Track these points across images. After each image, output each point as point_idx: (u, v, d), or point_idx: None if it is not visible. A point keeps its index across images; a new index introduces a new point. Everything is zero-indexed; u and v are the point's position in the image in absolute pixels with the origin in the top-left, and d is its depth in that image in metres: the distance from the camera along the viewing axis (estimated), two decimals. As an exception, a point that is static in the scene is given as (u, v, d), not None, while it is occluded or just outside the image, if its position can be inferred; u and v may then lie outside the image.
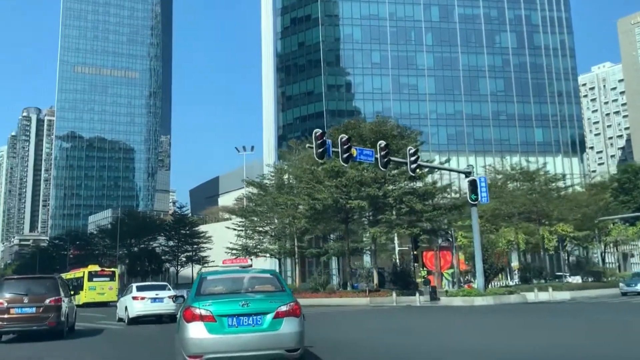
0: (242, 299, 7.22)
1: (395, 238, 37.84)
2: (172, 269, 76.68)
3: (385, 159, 20.10)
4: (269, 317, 7.10)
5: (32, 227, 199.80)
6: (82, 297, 37.03)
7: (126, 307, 18.61)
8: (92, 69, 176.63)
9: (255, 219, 42.56)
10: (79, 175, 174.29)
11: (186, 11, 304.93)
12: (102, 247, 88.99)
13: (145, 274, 72.98)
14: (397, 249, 40.44)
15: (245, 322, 7.04)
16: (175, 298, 18.72)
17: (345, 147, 18.67)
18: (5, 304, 13.20)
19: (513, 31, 79.41)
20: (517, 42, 79.04)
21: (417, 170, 21.79)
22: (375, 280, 30.16)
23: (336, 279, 48.95)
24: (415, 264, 33.62)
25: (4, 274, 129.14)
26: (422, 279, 31.39)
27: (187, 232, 72.84)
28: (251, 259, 46.07)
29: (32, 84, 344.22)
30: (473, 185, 23.13)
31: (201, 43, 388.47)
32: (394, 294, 26.25)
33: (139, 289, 19.17)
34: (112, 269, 41.53)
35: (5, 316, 13.13)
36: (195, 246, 72.63)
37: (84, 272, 39.73)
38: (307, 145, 19.12)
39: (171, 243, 73.75)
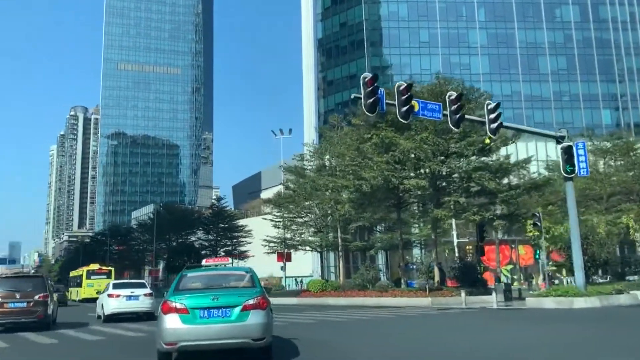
0: (213, 294, 7.92)
1: (454, 227, 32.58)
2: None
3: (458, 115, 15.26)
4: (237, 309, 7.78)
5: (81, 224, 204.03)
6: (82, 293, 39.56)
7: (102, 305, 18.64)
8: (135, 65, 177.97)
9: (293, 206, 38.32)
10: (124, 171, 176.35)
11: (226, 4, 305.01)
12: (141, 241, 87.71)
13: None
14: (455, 240, 35.24)
15: (215, 314, 7.74)
16: (151, 295, 18.70)
17: (404, 97, 13.98)
18: (0, 299, 14.73)
19: (576, 4, 72.04)
20: (581, 15, 71.60)
21: (496, 133, 16.65)
22: (437, 277, 25.21)
23: (383, 275, 44.24)
24: (480, 258, 28.37)
25: (52, 270, 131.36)
26: (506, 276, 26.17)
27: (226, 225, 69.79)
28: (292, 252, 41.93)
29: (79, 83, 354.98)
30: (568, 153, 17.95)
31: (240, 34, 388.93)
32: (463, 294, 21.25)
33: (115, 286, 19.23)
34: (109, 268, 43.62)
35: (0, 310, 14.68)
36: (234, 240, 69.52)
37: (83, 270, 42.22)
38: (353, 95, 14.51)
39: (210, 237, 70.91)
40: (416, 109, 14.91)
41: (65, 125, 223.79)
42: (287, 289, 41.48)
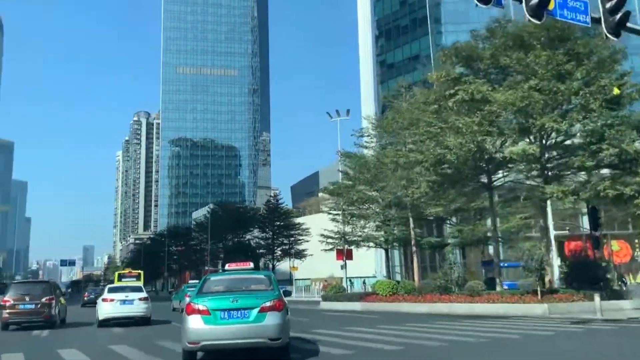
0: (233, 296, 8.47)
1: (549, 214, 25.95)
2: (269, 264, 70.05)
3: (618, 16, 9.51)
4: (255, 311, 8.25)
5: (146, 226, 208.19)
6: None
7: (97, 309, 18.50)
8: (193, 69, 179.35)
9: (354, 192, 33.06)
10: (185, 174, 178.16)
11: (280, 3, 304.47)
12: (199, 241, 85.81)
13: (241, 269, 67.04)
14: (552, 231, 28.58)
15: (235, 315, 8.25)
16: (147, 300, 18.35)
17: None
18: (12, 301, 17.19)
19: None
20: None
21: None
22: (551, 276, 19.10)
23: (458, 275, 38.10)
24: (596, 251, 21.86)
25: (116, 270, 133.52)
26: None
27: (282, 223, 65.61)
28: (353, 248, 36.72)
29: (142, 88, 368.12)
30: None
31: (294, 30, 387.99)
32: (597, 299, 15.14)
33: (110, 290, 19.11)
34: (138, 271, 46.83)
35: (13, 311, 17.13)
36: (291, 239, 65.20)
37: (116, 274, 46.19)
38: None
39: (266, 235, 67.04)
40: (551, 7, 9.28)
41: (130, 130, 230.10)
42: (349, 291, 36.13)
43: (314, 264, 61.99)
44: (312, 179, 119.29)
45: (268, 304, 8.21)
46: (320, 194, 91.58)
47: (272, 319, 8.14)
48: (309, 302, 35.07)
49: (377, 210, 29.83)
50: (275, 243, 66.16)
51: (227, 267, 10.48)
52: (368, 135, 31.43)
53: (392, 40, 65.85)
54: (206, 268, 71.98)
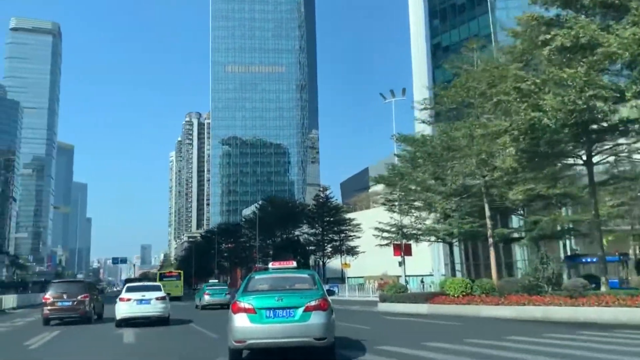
0: (278, 295, 8.35)
1: None
2: (319, 261, 67.08)
3: None
4: (300, 310, 8.15)
5: (199, 225, 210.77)
6: None
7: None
8: (241, 67, 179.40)
9: (414, 184, 29.37)
10: (235, 172, 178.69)
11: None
12: (248, 238, 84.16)
13: (291, 266, 64.47)
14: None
15: (280, 314, 8.14)
16: (164, 299, 17.99)
17: None
18: (52, 299, 18.84)
19: None
20: None
21: None
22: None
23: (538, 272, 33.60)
24: None
25: (169, 269, 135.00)
26: None
27: (332, 219, 62.41)
28: (411, 243, 33.03)
29: (193, 89, 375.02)
30: None
31: (341, 23, 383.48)
32: None
33: (128, 289, 18.74)
34: (179, 271, 49.64)
35: (52, 307, 18.73)
36: (342, 235, 61.91)
37: (157, 273, 51.66)
38: None
39: (315, 231, 64.04)
40: None
41: (182, 131, 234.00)
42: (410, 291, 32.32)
43: (366, 261, 58.47)
44: (362, 176, 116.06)
45: (313, 303, 8.19)
46: (370, 189, 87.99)
47: (317, 318, 8.11)
48: (364, 303, 31.58)
49: (442, 198, 25.86)
50: (325, 239, 63.12)
51: (270, 265, 10.24)
52: (431, 108, 27.44)
53: (447, 21, 61.18)
54: (256, 265, 69.93)
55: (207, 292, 28.81)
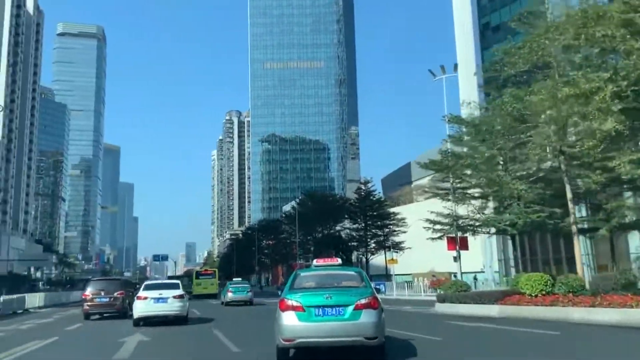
0: (327, 293, 8.10)
1: None
2: (362, 257, 64.09)
3: None
4: (350, 308, 7.89)
5: (241, 222, 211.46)
6: (194, 290, 47.26)
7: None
8: (280, 63, 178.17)
9: (469, 171, 26.04)
10: (275, 169, 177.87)
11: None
12: (288, 234, 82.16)
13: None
14: None
15: (330, 312, 7.91)
16: (182, 297, 17.34)
17: None
18: (91, 296, 20.32)
19: None
20: None
21: None
22: None
23: (589, 270, 29.65)
24: None
25: (212, 266, 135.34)
26: None
27: (375, 213, 59.24)
28: (469, 236, 29.70)
29: (234, 87, 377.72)
30: None
31: (379, 14, 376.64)
32: None
33: (146, 287, 18.35)
34: (214, 269, 51.18)
35: (92, 303, 20.23)
36: (385, 230, 58.66)
37: (194, 272, 52.71)
38: None
39: (358, 227, 61.03)
40: None
41: (223, 129, 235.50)
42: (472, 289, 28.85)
43: (412, 257, 55.13)
44: (404, 171, 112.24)
45: (363, 301, 7.94)
46: (413, 184, 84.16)
47: (367, 317, 7.86)
48: (416, 303, 28.41)
49: (513, 179, 22.34)
50: (368, 234, 60.03)
51: (314, 262, 9.77)
52: (498, 75, 23.82)
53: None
54: (297, 262, 67.62)
55: (230, 289, 30.37)
